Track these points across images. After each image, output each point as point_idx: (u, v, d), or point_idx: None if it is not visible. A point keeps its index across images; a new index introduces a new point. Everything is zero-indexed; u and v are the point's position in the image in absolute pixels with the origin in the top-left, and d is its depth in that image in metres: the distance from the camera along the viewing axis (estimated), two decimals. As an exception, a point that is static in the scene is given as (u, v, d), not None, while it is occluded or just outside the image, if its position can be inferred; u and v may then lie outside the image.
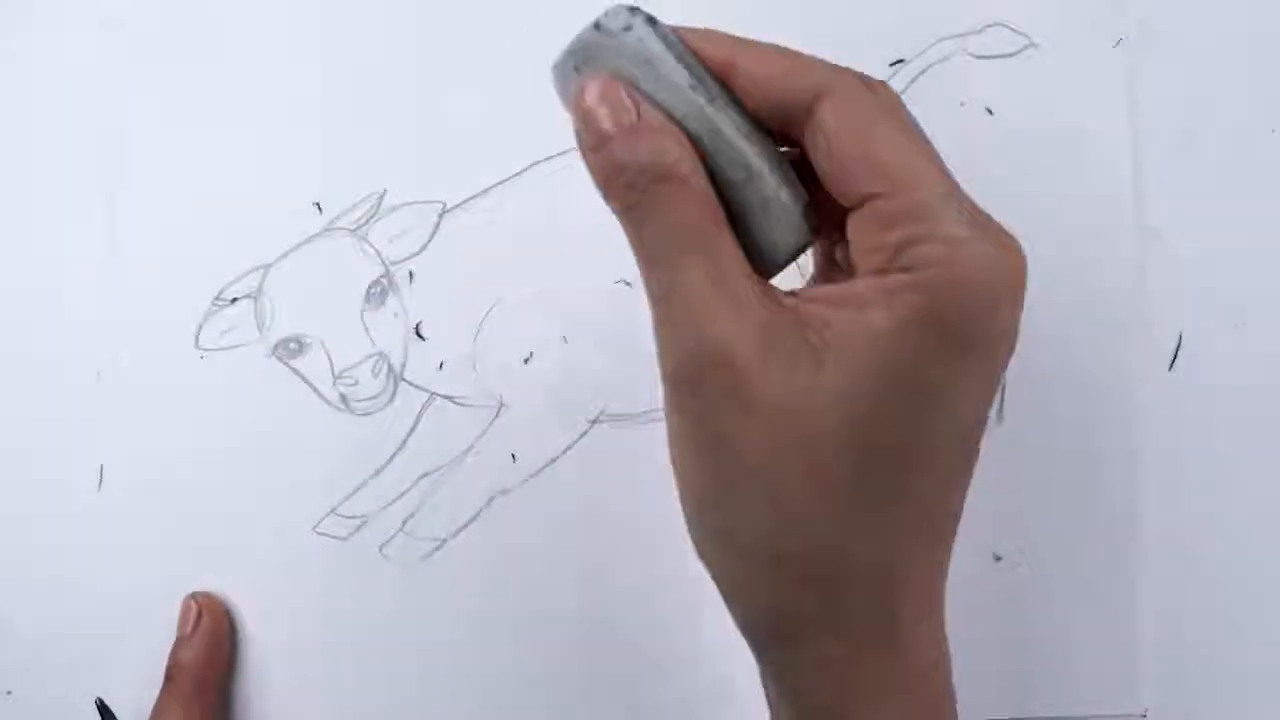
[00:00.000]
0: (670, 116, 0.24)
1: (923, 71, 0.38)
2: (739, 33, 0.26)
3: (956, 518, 0.26)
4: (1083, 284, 0.38)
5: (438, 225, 0.39)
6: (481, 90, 0.39)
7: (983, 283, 0.23)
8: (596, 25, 0.24)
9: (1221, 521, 0.38)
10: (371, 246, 0.38)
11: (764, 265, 0.25)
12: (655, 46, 0.23)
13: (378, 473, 0.38)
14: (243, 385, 0.39)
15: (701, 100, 0.23)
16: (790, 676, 0.26)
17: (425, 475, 0.38)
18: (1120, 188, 0.38)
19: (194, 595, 0.38)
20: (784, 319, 0.24)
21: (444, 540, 0.38)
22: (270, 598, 0.39)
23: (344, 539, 0.38)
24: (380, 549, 0.38)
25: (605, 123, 0.24)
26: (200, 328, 0.39)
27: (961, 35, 0.38)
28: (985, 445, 0.38)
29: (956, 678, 0.38)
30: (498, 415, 0.38)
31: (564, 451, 0.38)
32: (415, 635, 0.38)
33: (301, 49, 0.39)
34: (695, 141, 0.24)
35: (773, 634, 0.26)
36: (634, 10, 0.24)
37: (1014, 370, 0.38)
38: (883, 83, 0.26)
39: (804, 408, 0.23)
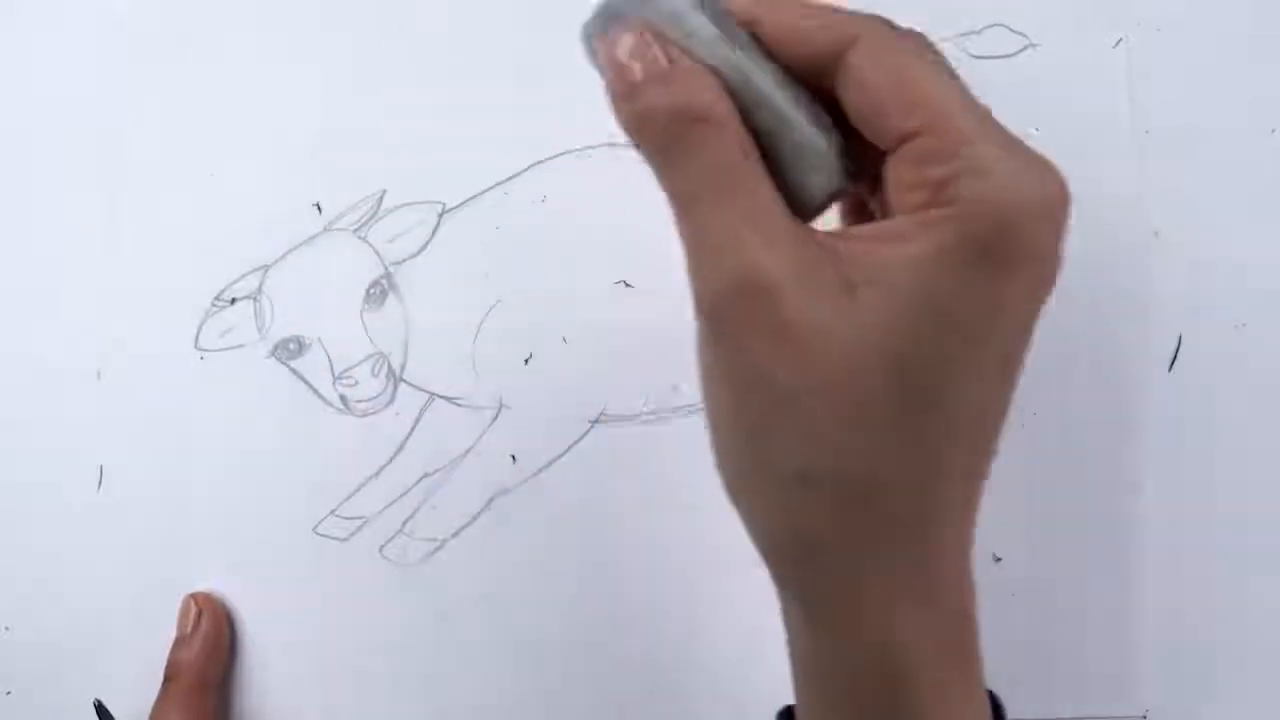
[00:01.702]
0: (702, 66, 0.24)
1: (923, 71, 0.38)
2: None
3: (993, 447, 0.26)
4: (1083, 284, 0.38)
5: (438, 225, 0.39)
6: (481, 90, 0.39)
7: (1022, 206, 0.23)
8: None
9: (1221, 521, 0.38)
10: (371, 246, 0.38)
11: (800, 209, 0.25)
12: (681, 2, 0.23)
13: (377, 473, 0.38)
14: (242, 385, 0.39)
15: (731, 51, 0.23)
16: (816, 600, 0.26)
17: (425, 476, 0.38)
18: (1120, 188, 0.38)
19: (194, 595, 0.38)
20: (821, 252, 0.24)
21: (444, 541, 0.38)
22: (270, 598, 0.39)
23: (344, 540, 0.38)
24: (380, 550, 0.38)
25: (638, 72, 0.24)
26: (200, 328, 0.39)
27: (961, 35, 0.38)
28: (985, 445, 0.38)
29: (956, 678, 0.38)
30: (498, 415, 0.38)
31: (564, 452, 0.38)
32: (415, 635, 0.38)
33: (302, 49, 0.39)
34: (728, 90, 0.24)
35: (802, 558, 0.26)
36: None
37: (1014, 370, 0.38)
38: (911, 30, 0.26)
39: (841, 335, 0.23)
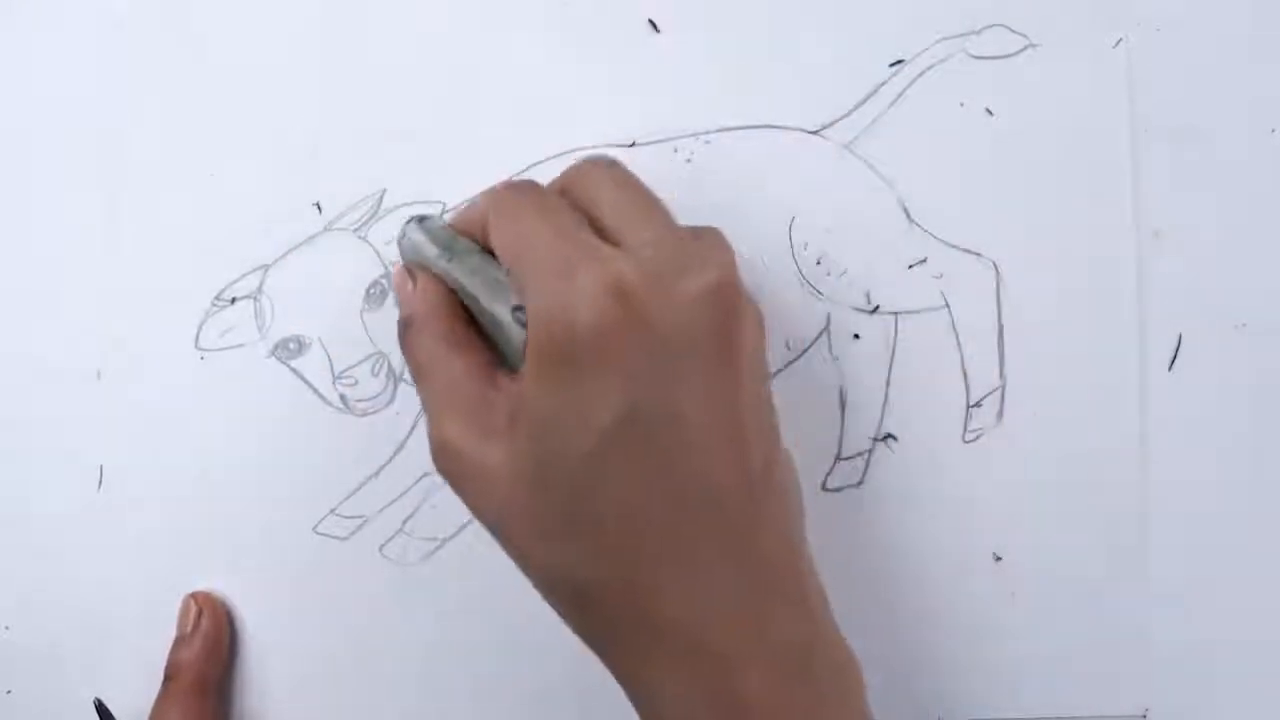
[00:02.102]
0: (439, 280, 0.33)
1: (922, 72, 0.38)
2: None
3: (677, 519, 0.29)
4: (1083, 284, 0.38)
5: (438, 225, 0.38)
6: (481, 90, 0.39)
7: (552, 318, 0.28)
8: (400, 234, 0.34)
9: (1221, 521, 0.38)
10: (371, 246, 0.38)
11: (510, 360, 0.31)
12: (419, 237, 0.33)
13: (377, 473, 0.38)
14: (242, 385, 0.39)
15: (444, 262, 0.32)
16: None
17: (425, 475, 0.38)
18: (1120, 188, 0.38)
19: (194, 595, 0.38)
20: (494, 403, 0.30)
21: (444, 540, 0.38)
22: (270, 598, 0.39)
23: (344, 539, 0.38)
24: (380, 549, 0.38)
25: (402, 293, 0.33)
26: (200, 328, 0.39)
27: (961, 35, 0.38)
28: (985, 445, 0.38)
29: (957, 677, 0.38)
30: (498, 415, 0.38)
31: (564, 451, 0.38)
32: (415, 635, 0.38)
33: (302, 49, 0.39)
34: (454, 289, 0.32)
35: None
36: (409, 220, 0.33)
37: (1014, 370, 0.38)
38: (519, 183, 0.33)
39: (504, 470, 0.29)
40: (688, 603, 0.28)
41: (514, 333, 0.31)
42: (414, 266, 0.33)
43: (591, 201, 0.31)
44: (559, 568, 0.29)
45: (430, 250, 0.33)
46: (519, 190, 0.32)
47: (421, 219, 0.33)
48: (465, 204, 0.35)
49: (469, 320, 0.32)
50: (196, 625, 0.37)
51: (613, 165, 0.32)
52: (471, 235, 0.33)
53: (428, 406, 0.31)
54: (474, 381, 0.30)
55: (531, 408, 0.28)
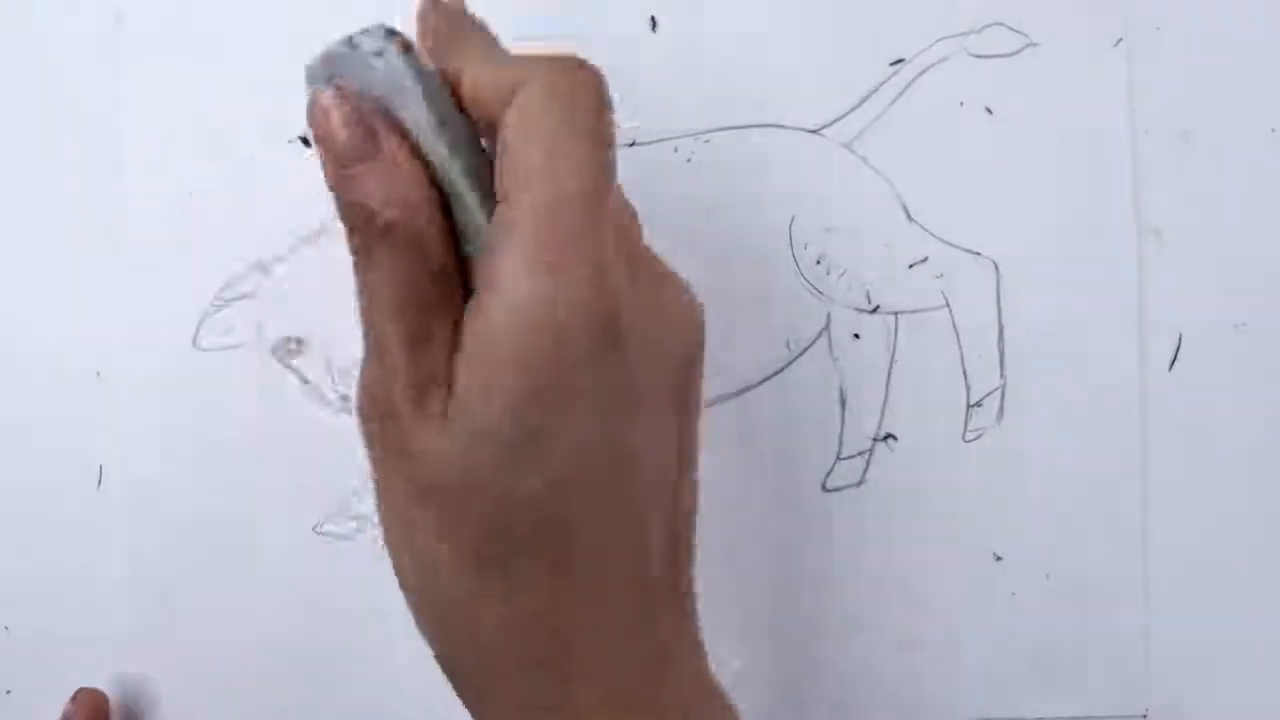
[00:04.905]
0: (415, 151, 0.23)
1: (922, 71, 0.38)
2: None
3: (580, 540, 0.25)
4: (1083, 284, 0.38)
5: (438, 225, 0.38)
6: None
7: (492, 320, 0.23)
8: (350, 42, 0.23)
9: (1221, 521, 0.38)
10: (371, 246, 0.38)
11: (467, 281, 0.25)
12: (408, 79, 0.23)
13: (378, 473, 0.38)
14: (242, 385, 0.38)
15: (443, 145, 0.23)
16: None
17: (425, 475, 0.38)
18: (1120, 188, 0.38)
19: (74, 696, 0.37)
20: (440, 378, 0.24)
21: (444, 540, 0.38)
22: (270, 598, 0.39)
23: (344, 539, 0.38)
24: (381, 549, 0.38)
25: (352, 152, 0.23)
26: (199, 327, 0.39)
27: (961, 35, 0.38)
28: (985, 445, 0.38)
29: (958, 677, 0.38)
30: (498, 415, 0.38)
31: (564, 451, 0.38)
32: (415, 634, 0.38)
33: (301, 49, 0.39)
34: (435, 181, 0.23)
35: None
36: (390, 33, 0.23)
37: (1014, 370, 0.38)
38: (582, 68, 0.24)
39: (435, 454, 0.24)
40: (602, 688, 0.25)
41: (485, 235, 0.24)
42: (376, 117, 0.23)
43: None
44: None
45: (423, 113, 0.23)
46: (573, 76, 0.24)
47: (392, 34, 0.23)
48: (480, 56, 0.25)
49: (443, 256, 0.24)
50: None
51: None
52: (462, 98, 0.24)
53: (380, 347, 0.26)
54: (428, 348, 0.25)
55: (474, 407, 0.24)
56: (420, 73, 0.23)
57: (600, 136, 0.23)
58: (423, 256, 0.24)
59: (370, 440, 0.26)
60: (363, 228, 0.24)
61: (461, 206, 0.23)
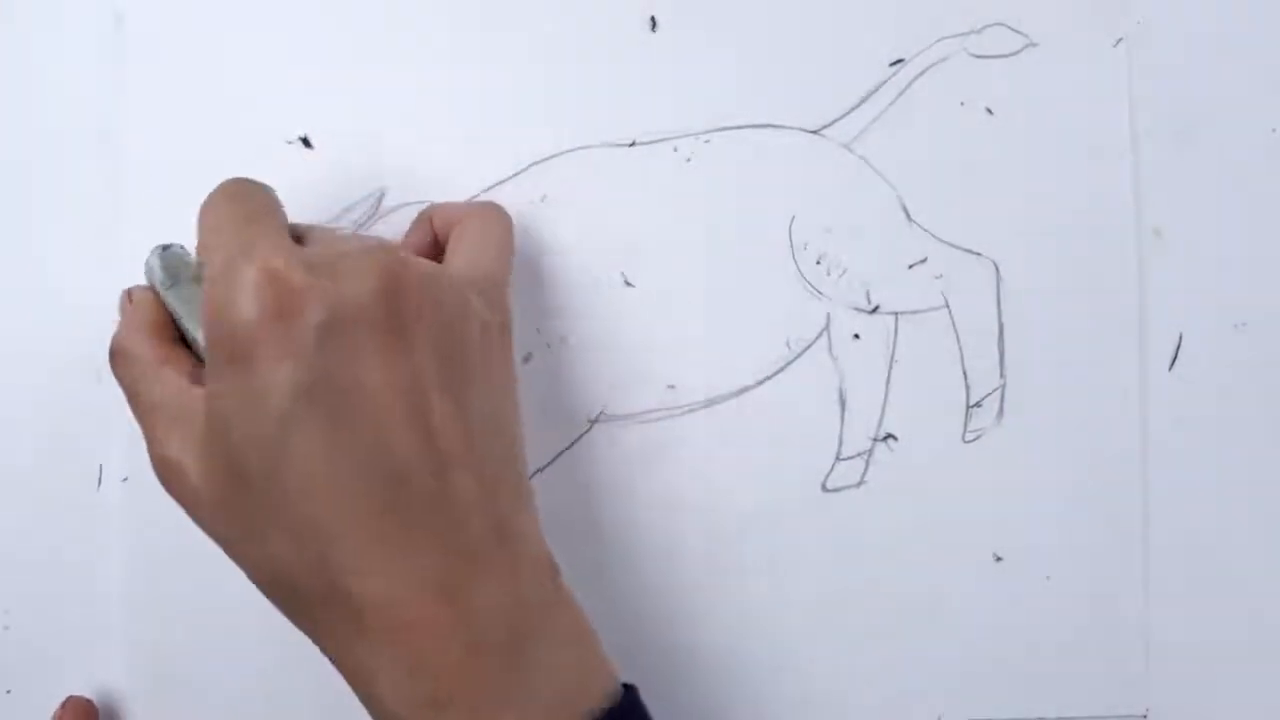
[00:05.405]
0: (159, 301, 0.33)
1: (922, 71, 0.38)
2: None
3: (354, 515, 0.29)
4: (1083, 284, 0.38)
5: (438, 225, 0.38)
6: (481, 90, 0.39)
7: (209, 319, 0.29)
8: (153, 250, 0.33)
9: (1221, 521, 0.38)
10: (371, 246, 0.38)
11: None
12: (153, 262, 0.33)
13: (377, 473, 0.38)
14: (242, 385, 0.38)
15: (164, 289, 0.32)
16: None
17: (425, 475, 0.38)
18: (1120, 188, 0.38)
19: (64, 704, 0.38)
20: (197, 412, 0.30)
21: (444, 540, 0.38)
22: (270, 598, 0.39)
23: (344, 539, 0.38)
24: (380, 549, 0.38)
25: (122, 315, 0.33)
26: (199, 327, 0.39)
27: (961, 35, 0.38)
28: (985, 445, 0.38)
29: (957, 678, 0.38)
30: (497, 415, 0.38)
31: (563, 450, 0.38)
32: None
33: (301, 48, 0.39)
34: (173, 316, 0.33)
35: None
36: (154, 248, 0.33)
37: (1014, 370, 0.38)
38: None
39: (202, 481, 0.30)
40: (383, 578, 0.28)
41: None
42: (139, 291, 0.33)
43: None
44: (265, 560, 0.30)
45: (156, 275, 0.33)
46: (221, 201, 0.33)
47: (166, 247, 0.33)
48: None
49: (182, 340, 0.32)
50: None
51: None
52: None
53: (143, 427, 0.31)
54: (183, 395, 0.30)
55: (214, 406, 0.29)
56: (164, 255, 0.33)
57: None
58: (146, 360, 0.32)
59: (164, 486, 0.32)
60: (114, 347, 0.33)
61: (184, 318, 0.33)
